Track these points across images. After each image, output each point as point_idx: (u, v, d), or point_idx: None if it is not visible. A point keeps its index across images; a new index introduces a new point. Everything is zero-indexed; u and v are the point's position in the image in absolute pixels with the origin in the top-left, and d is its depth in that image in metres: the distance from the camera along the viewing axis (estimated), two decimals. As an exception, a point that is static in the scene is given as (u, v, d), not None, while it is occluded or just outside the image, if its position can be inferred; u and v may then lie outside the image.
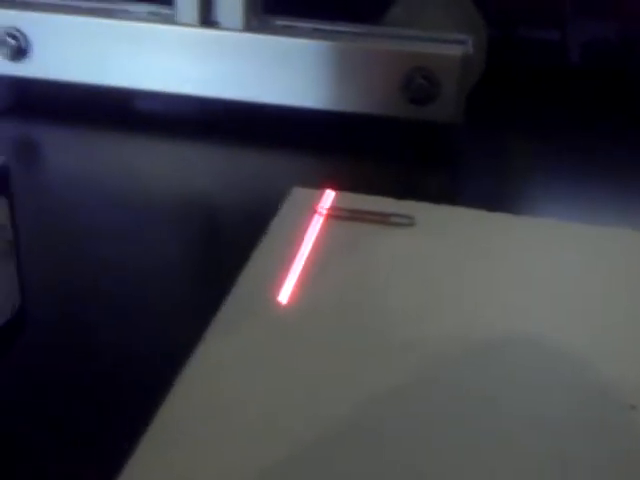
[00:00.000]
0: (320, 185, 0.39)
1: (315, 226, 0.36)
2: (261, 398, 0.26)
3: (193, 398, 0.26)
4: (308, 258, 0.34)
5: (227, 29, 0.44)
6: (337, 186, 0.39)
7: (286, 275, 0.32)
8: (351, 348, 0.29)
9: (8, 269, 0.23)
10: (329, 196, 0.38)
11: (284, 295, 0.31)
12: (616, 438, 0.26)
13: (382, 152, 0.45)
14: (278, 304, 0.31)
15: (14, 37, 0.46)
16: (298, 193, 0.38)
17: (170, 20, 0.45)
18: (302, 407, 0.26)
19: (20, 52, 0.47)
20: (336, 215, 0.36)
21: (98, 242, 0.35)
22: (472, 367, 0.28)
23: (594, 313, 0.32)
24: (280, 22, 0.45)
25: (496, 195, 0.41)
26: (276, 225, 0.36)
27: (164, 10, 0.46)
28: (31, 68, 0.47)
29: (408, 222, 0.36)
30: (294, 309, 0.31)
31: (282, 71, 0.44)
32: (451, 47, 0.43)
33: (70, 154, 0.44)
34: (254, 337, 0.29)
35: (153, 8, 0.47)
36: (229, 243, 0.36)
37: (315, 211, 0.37)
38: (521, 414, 0.27)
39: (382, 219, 0.36)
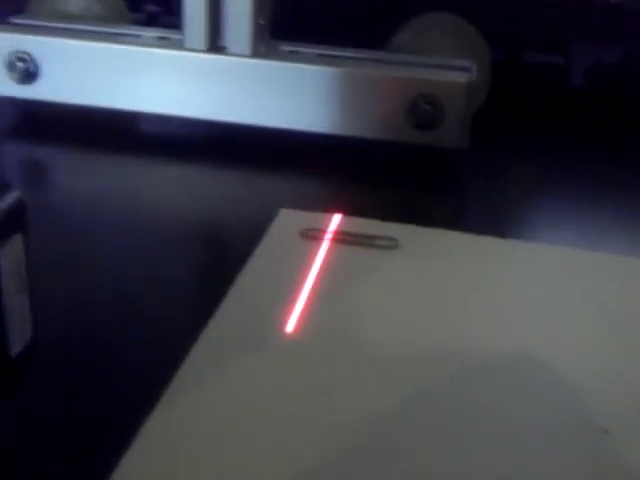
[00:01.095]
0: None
1: (298, 249, 0.36)
2: (246, 417, 0.27)
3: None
4: (292, 282, 0.34)
5: (234, 55, 0.45)
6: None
7: (271, 299, 0.33)
8: (344, 375, 0.29)
9: (22, 303, 0.24)
10: (315, 218, 0.38)
11: (274, 320, 0.32)
12: (587, 462, 0.26)
13: (386, 176, 0.45)
14: (268, 329, 0.31)
15: (23, 60, 0.47)
16: (285, 215, 0.39)
17: (178, 45, 0.45)
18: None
19: (29, 75, 0.47)
20: (322, 238, 0.37)
21: (101, 265, 0.36)
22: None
23: (575, 337, 0.32)
24: (286, 47, 0.46)
25: (499, 219, 0.41)
26: (262, 248, 0.36)
27: (173, 35, 0.47)
28: (40, 91, 0.47)
29: (392, 244, 0.37)
30: (286, 334, 0.31)
31: (288, 96, 0.45)
32: (456, 74, 0.44)
33: (77, 176, 0.45)
34: (240, 362, 0.29)
35: (162, 33, 0.47)
36: (233, 265, 0.37)
37: (300, 234, 0.37)
38: (489, 438, 0.27)
39: (366, 241, 0.37)
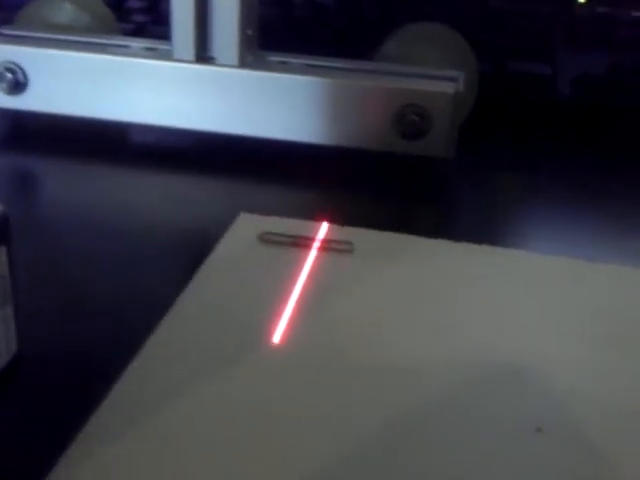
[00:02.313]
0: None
1: (255, 253, 0.37)
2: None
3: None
4: (244, 285, 0.34)
5: (223, 65, 0.45)
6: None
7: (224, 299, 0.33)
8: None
9: (6, 315, 0.24)
10: (276, 222, 0.39)
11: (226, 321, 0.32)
12: (519, 462, 0.26)
13: (372, 185, 0.46)
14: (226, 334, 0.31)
15: (12, 71, 0.47)
16: (244, 219, 0.39)
17: (167, 56, 0.46)
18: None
19: (18, 86, 0.47)
20: (281, 242, 0.37)
21: (92, 276, 0.36)
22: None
23: (526, 335, 0.33)
24: (275, 58, 0.46)
25: (485, 227, 0.42)
26: (218, 251, 0.37)
27: (161, 46, 0.47)
28: (29, 101, 0.48)
29: (347, 248, 0.37)
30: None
31: (276, 106, 0.45)
32: (443, 84, 0.44)
33: (65, 187, 0.45)
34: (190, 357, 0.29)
35: (150, 44, 0.48)
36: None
37: (258, 237, 0.37)
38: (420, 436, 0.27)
39: (323, 245, 0.37)
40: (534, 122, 0.52)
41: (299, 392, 0.29)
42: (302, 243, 0.37)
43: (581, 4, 0.59)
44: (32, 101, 0.47)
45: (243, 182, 0.45)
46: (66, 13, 0.52)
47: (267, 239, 0.38)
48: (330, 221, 0.39)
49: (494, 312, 0.34)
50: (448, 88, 0.43)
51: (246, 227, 0.39)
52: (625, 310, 0.35)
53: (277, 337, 0.32)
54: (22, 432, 0.26)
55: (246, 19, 0.45)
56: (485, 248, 0.38)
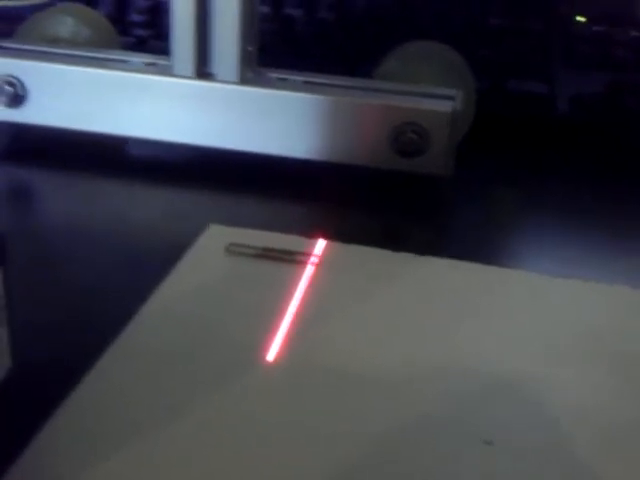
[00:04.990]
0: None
1: (220, 264, 0.37)
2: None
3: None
4: (211, 297, 0.35)
5: (222, 81, 0.45)
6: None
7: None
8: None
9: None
10: (244, 234, 0.39)
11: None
12: (467, 476, 0.27)
13: (369, 201, 0.46)
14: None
15: (11, 84, 0.47)
16: (213, 230, 0.40)
17: (167, 72, 0.46)
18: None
19: (17, 99, 0.47)
20: (247, 253, 0.38)
21: (89, 293, 0.36)
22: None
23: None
24: (274, 75, 0.46)
25: (482, 245, 0.42)
26: (185, 261, 0.37)
27: (161, 61, 0.47)
28: (28, 115, 0.48)
29: (313, 261, 0.37)
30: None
31: (275, 122, 0.45)
32: (440, 102, 0.44)
33: (64, 200, 0.45)
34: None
35: (150, 59, 0.48)
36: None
37: (225, 249, 0.38)
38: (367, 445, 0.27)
39: (289, 257, 0.38)
40: (532, 140, 0.53)
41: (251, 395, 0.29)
42: (267, 255, 0.38)
43: (579, 23, 0.59)
44: (31, 114, 0.48)
45: (241, 197, 0.45)
46: (67, 27, 0.52)
47: (233, 250, 0.38)
48: (307, 235, 0.40)
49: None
50: (446, 107, 0.44)
51: (214, 238, 0.39)
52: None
53: (246, 347, 0.32)
54: None
55: (246, 36, 0.45)
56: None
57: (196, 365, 0.31)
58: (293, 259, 0.38)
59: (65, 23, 0.52)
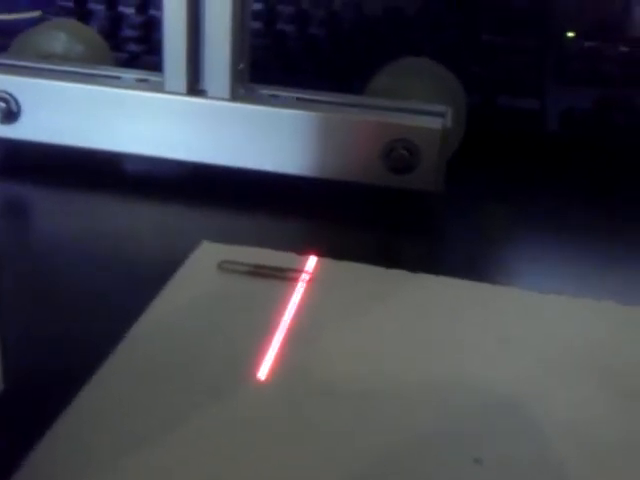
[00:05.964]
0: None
1: (212, 281, 0.37)
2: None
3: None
4: (203, 314, 0.35)
5: (214, 98, 0.45)
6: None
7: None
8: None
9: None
10: (236, 251, 0.39)
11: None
12: None
13: (360, 217, 0.46)
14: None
15: (5, 100, 0.47)
16: (206, 247, 0.40)
17: (159, 88, 0.46)
18: None
19: (10, 115, 0.48)
20: (239, 270, 0.38)
21: (84, 309, 0.36)
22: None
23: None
24: (266, 91, 0.47)
25: (474, 262, 0.42)
26: (177, 278, 0.37)
27: (153, 77, 0.47)
28: (21, 131, 0.48)
29: (304, 278, 0.38)
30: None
31: (267, 139, 0.45)
32: (430, 119, 0.44)
33: (57, 216, 0.45)
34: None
35: (142, 75, 0.48)
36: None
37: (217, 266, 0.38)
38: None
39: (281, 274, 0.38)
40: (522, 156, 0.53)
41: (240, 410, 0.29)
42: (260, 272, 0.38)
43: (570, 38, 0.60)
44: (25, 130, 0.48)
45: (233, 213, 0.46)
46: (60, 43, 0.52)
47: (226, 268, 0.38)
48: (300, 252, 0.40)
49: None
50: (436, 123, 0.44)
51: (207, 255, 0.39)
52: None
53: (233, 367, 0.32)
54: None
55: (238, 52, 0.45)
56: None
57: (188, 383, 0.31)
58: (285, 276, 0.38)
59: (58, 39, 0.52)
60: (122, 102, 0.46)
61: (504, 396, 0.32)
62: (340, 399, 0.31)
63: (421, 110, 0.45)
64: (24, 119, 0.48)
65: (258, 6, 0.60)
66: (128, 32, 0.61)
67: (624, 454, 0.29)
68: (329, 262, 0.39)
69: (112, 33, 0.60)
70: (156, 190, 0.47)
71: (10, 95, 0.47)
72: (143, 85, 0.47)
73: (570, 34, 0.60)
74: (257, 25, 0.59)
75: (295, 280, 0.38)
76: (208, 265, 0.38)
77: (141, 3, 0.62)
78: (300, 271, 0.38)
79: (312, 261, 0.39)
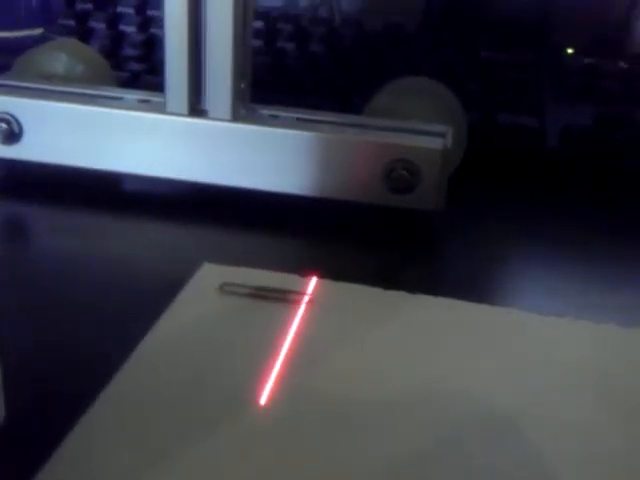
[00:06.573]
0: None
1: (214, 303, 0.38)
2: None
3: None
4: (204, 337, 0.35)
5: (215, 119, 0.46)
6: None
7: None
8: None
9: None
10: (237, 273, 0.39)
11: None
12: None
13: (361, 238, 0.46)
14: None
15: (6, 122, 0.48)
16: (207, 269, 0.40)
17: (160, 109, 0.46)
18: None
19: (12, 136, 0.48)
20: (240, 292, 0.38)
21: (84, 332, 0.36)
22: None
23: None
24: (266, 111, 0.47)
25: (474, 280, 0.42)
26: (178, 301, 0.38)
27: (154, 98, 0.48)
28: (23, 151, 0.48)
29: (305, 300, 0.38)
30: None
31: (268, 159, 0.46)
32: (431, 139, 0.45)
33: (59, 236, 0.45)
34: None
35: (144, 96, 0.48)
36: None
37: (219, 288, 0.38)
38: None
39: (281, 296, 0.38)
40: (522, 173, 0.53)
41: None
42: (260, 294, 0.38)
43: (569, 55, 0.60)
44: (26, 151, 0.48)
45: (234, 233, 0.46)
46: (61, 63, 0.52)
47: (227, 290, 0.38)
48: (300, 272, 0.40)
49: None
50: (437, 144, 0.44)
51: (208, 277, 0.39)
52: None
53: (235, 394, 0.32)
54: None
55: (239, 73, 0.46)
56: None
57: (188, 409, 0.31)
58: (286, 298, 0.38)
59: (59, 59, 0.52)
60: (124, 123, 0.47)
61: (503, 416, 0.32)
62: (341, 422, 0.31)
63: (421, 130, 0.45)
64: (26, 140, 0.48)
65: (258, 24, 0.61)
66: (129, 51, 0.61)
67: (621, 474, 0.29)
68: (329, 283, 0.39)
69: (113, 52, 0.60)
70: (157, 210, 0.47)
71: (12, 116, 0.48)
72: (144, 106, 0.47)
73: (569, 50, 0.60)
74: (257, 43, 0.60)
75: (296, 302, 0.38)
76: (209, 287, 0.39)
77: (142, 22, 0.62)
78: (301, 293, 0.38)
79: (312, 282, 0.39)
